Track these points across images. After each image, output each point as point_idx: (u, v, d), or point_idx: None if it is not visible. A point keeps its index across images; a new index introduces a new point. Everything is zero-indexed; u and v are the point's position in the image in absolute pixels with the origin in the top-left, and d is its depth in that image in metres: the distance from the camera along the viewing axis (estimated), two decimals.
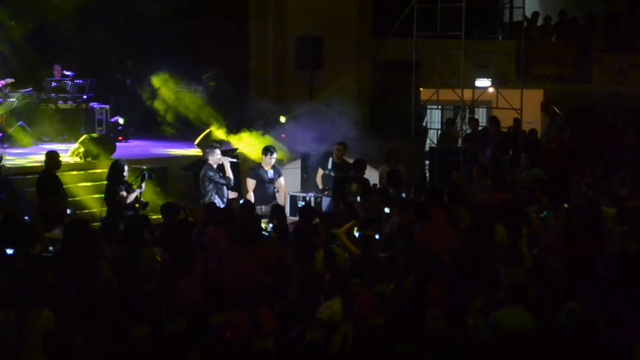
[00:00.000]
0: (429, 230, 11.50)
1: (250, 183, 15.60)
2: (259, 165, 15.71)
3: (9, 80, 18.68)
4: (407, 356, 8.36)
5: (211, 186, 14.78)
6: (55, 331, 7.95)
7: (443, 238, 11.52)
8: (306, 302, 9.55)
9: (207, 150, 15.20)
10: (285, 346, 8.70)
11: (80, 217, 12.77)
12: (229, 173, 15.03)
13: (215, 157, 14.97)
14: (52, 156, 14.21)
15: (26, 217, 11.43)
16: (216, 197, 14.75)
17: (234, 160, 15.73)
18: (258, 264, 10.57)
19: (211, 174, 14.81)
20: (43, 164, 14.26)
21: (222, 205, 14.17)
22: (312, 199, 16.39)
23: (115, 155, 17.13)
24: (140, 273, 10.17)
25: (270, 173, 15.56)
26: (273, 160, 15.62)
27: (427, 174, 21.92)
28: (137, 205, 13.90)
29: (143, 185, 14.00)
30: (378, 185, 15.99)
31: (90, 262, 9.62)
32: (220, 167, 15.02)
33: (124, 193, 13.76)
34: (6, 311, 7.87)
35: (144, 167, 14.93)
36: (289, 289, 10.51)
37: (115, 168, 13.95)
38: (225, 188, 14.96)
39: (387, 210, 12.58)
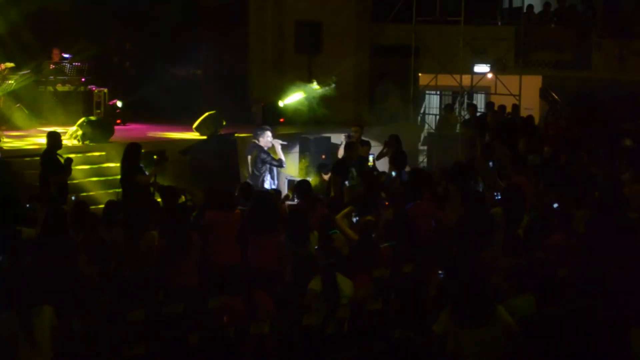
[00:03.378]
0: (416, 209, 11.52)
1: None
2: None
3: (9, 64, 18.67)
4: (404, 342, 8.36)
5: (264, 168, 15.19)
6: (58, 324, 7.95)
7: (431, 217, 11.54)
8: (302, 285, 9.55)
9: (258, 133, 15.56)
10: (283, 330, 8.71)
11: (79, 199, 12.80)
12: (280, 154, 15.48)
13: (266, 139, 15.39)
14: (54, 136, 14.26)
15: (27, 205, 11.40)
16: (268, 176, 15.21)
17: (285, 142, 16.05)
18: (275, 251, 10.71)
19: (264, 156, 15.25)
20: (45, 144, 14.31)
21: (273, 186, 14.81)
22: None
23: (113, 139, 17.13)
24: (139, 256, 10.20)
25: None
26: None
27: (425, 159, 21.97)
28: (151, 189, 14.01)
29: (157, 168, 14.17)
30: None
31: (66, 254, 9.64)
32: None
33: (144, 175, 13.90)
34: (9, 312, 7.86)
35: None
36: (285, 272, 10.54)
37: (133, 150, 14.02)
38: (275, 169, 15.41)
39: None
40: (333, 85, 21.21)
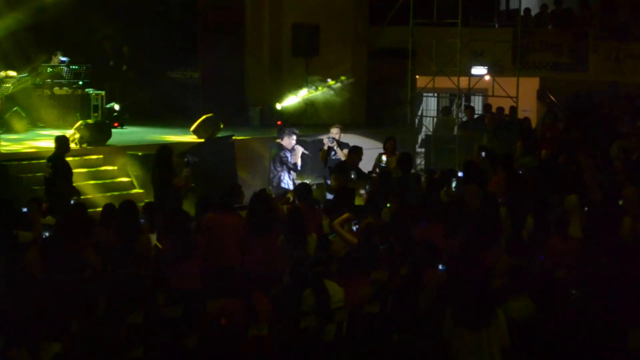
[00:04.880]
0: (428, 230, 11.16)
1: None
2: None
3: (10, 72, 18.71)
4: (403, 345, 8.36)
5: (282, 167, 15.64)
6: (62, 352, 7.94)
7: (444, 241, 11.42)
8: (299, 287, 9.55)
9: (286, 131, 15.99)
10: (281, 333, 8.70)
11: (79, 202, 12.84)
12: (298, 159, 15.86)
13: (290, 141, 15.85)
14: (63, 140, 14.28)
15: (24, 209, 11.38)
16: (285, 175, 15.65)
17: (307, 152, 16.31)
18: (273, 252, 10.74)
19: (283, 155, 15.72)
20: (41, 148, 14.33)
21: (289, 186, 15.18)
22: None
23: (110, 142, 17.09)
24: (135, 259, 10.20)
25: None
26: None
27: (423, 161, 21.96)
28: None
29: (189, 169, 14.75)
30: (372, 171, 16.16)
31: (76, 249, 9.66)
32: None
33: (179, 177, 14.30)
34: (19, 347, 7.83)
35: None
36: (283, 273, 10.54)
37: (167, 154, 14.20)
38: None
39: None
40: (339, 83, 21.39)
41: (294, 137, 15.94)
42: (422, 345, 8.30)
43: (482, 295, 7.68)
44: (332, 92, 21.39)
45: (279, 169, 15.70)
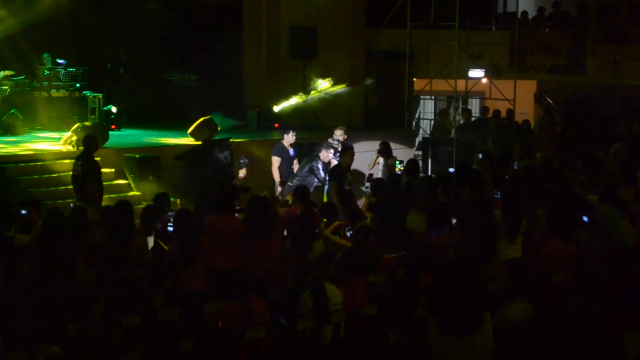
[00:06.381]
0: (441, 238, 10.99)
1: (276, 160, 16.36)
2: (282, 145, 16.56)
3: (8, 72, 18.71)
4: (400, 346, 8.35)
5: (310, 175, 15.63)
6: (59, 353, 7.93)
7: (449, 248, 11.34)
8: (299, 290, 9.55)
9: (323, 145, 16.03)
10: (278, 335, 8.70)
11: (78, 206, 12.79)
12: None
13: (327, 154, 15.84)
14: (92, 139, 14.29)
15: (23, 211, 11.36)
16: (314, 184, 15.54)
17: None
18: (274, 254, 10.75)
19: (314, 166, 15.70)
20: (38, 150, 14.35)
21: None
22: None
23: (108, 144, 17.07)
24: (131, 261, 10.19)
25: (291, 151, 16.55)
26: (293, 139, 16.58)
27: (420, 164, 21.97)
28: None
29: (245, 170, 15.04)
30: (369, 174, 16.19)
31: (64, 259, 9.66)
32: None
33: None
34: (18, 351, 7.82)
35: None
36: (279, 276, 10.53)
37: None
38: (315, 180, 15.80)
39: None
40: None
41: (332, 150, 15.95)
42: (419, 347, 8.28)
43: (468, 303, 7.40)
44: (334, 94, 21.43)
45: (305, 173, 15.67)
